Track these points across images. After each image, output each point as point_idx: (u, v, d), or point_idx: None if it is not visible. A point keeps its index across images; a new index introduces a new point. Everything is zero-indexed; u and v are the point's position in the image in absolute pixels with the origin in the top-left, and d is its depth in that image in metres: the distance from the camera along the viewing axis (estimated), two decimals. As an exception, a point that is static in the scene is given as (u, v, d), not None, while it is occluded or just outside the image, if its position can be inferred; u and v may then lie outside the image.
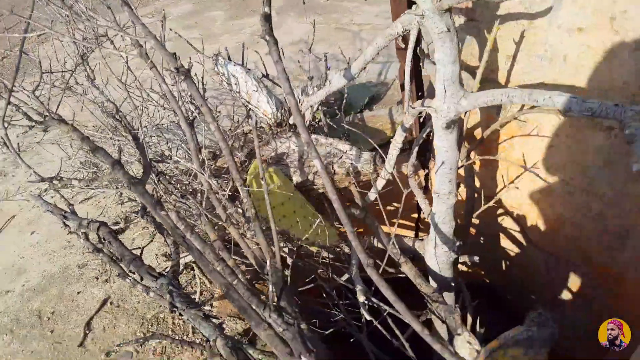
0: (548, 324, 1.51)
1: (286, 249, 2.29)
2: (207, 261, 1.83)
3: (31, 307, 3.24)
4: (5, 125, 2.37)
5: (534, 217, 2.85)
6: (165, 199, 2.68)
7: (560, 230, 2.73)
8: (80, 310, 3.13)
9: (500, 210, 3.00)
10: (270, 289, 1.63)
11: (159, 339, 2.15)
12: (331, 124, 3.06)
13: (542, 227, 2.84)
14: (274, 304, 1.62)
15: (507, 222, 3.02)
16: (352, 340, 2.25)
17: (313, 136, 2.64)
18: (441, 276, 2.17)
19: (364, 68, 2.06)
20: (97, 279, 3.33)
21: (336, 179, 2.52)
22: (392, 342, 2.08)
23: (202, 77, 3.15)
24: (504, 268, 3.27)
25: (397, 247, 2.24)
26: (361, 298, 1.84)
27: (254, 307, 1.64)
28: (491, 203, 2.38)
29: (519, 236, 3.01)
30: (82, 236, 2.54)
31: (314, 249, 2.35)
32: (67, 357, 2.86)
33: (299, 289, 2.19)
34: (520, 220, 2.94)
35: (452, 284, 2.17)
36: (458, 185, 2.40)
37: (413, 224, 3.39)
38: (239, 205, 2.19)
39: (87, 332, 2.97)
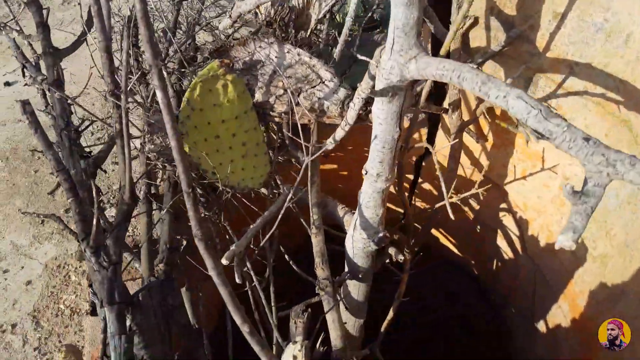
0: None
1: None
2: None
3: (30, 142, 3.40)
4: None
5: (537, 228, 2.27)
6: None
7: (559, 254, 2.16)
8: (68, 161, 3.24)
9: (503, 205, 2.44)
10: (94, 222, 1.41)
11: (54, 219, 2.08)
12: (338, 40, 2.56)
13: (541, 242, 2.27)
14: (98, 239, 1.41)
15: (508, 220, 2.47)
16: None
17: (296, 50, 2.20)
18: (353, 262, 1.81)
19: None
20: (99, 139, 3.38)
21: (297, 111, 2.12)
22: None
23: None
24: (494, 267, 2.76)
25: (318, 212, 1.88)
26: (225, 261, 1.58)
27: (78, 232, 1.46)
28: (456, 199, 1.87)
29: (516, 241, 2.46)
30: (40, 92, 2.47)
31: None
32: (36, 199, 3.01)
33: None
34: (521, 224, 2.37)
35: (361, 276, 1.80)
36: (400, 168, 1.90)
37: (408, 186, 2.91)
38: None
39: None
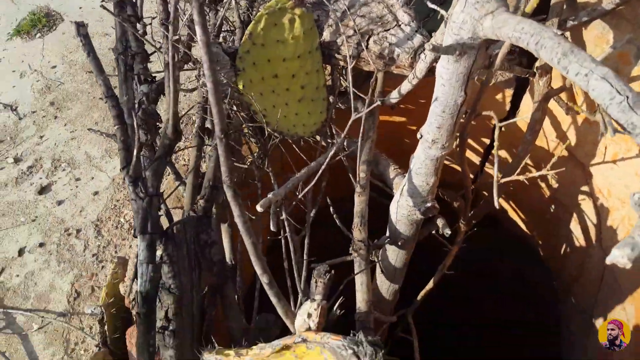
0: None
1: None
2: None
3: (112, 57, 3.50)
4: None
5: (617, 219, 2.00)
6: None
7: None
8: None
9: (585, 187, 2.16)
10: (135, 153, 1.42)
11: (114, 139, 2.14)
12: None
13: (620, 235, 2.01)
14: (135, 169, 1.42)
15: (586, 205, 2.20)
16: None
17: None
18: (395, 228, 1.69)
19: None
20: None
21: (362, 57, 1.95)
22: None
23: None
24: (562, 252, 2.52)
25: (366, 170, 1.76)
26: (259, 208, 1.53)
27: (120, 160, 1.47)
28: (524, 178, 1.65)
29: (592, 229, 2.20)
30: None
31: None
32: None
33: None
34: (601, 212, 2.10)
35: (401, 242, 1.69)
36: (463, 137, 1.69)
37: (481, 149, 2.66)
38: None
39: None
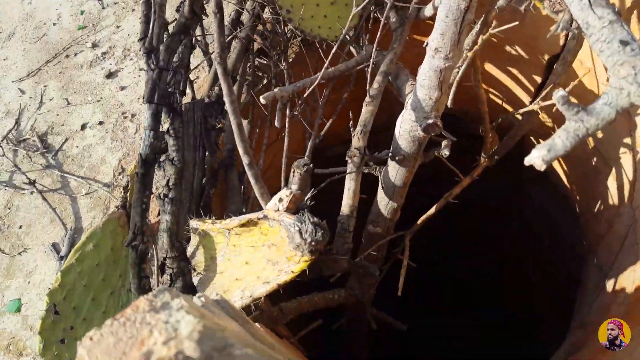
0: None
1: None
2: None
3: None
4: None
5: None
6: None
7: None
8: None
9: (627, 140, 1.99)
10: (151, 27, 1.51)
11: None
12: None
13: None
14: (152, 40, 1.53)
15: (625, 159, 2.03)
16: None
17: None
18: (397, 144, 1.68)
19: None
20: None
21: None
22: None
23: None
24: (595, 209, 2.36)
25: (381, 81, 1.73)
26: (262, 100, 1.58)
27: (140, 32, 1.58)
28: (536, 106, 1.54)
29: (626, 188, 2.04)
30: None
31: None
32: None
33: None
34: (638, 168, 1.94)
35: (399, 158, 1.67)
36: (475, 57, 1.58)
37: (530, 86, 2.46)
38: None
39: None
